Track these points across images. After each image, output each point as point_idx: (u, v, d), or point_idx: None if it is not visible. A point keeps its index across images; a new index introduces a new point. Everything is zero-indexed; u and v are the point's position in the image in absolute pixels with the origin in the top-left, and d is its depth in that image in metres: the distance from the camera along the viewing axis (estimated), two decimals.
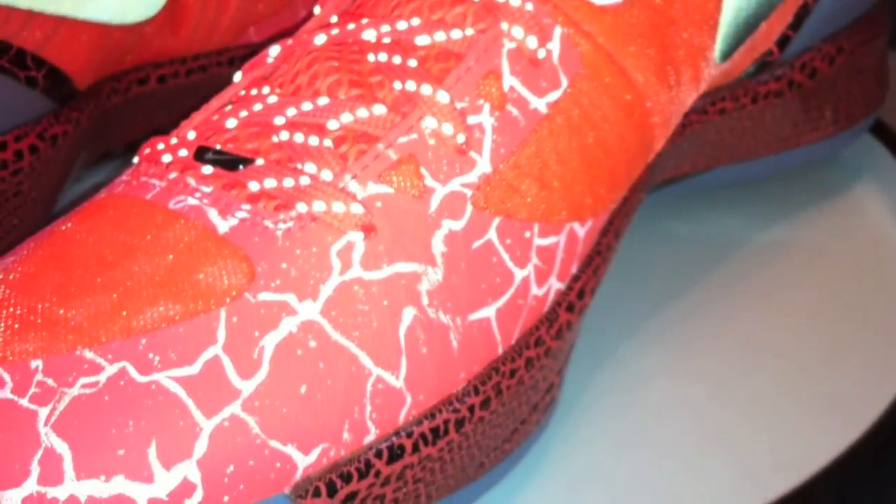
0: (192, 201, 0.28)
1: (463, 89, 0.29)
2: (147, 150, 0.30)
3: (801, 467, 0.31)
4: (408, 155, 0.28)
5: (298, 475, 0.26)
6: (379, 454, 0.27)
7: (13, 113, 0.37)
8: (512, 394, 0.30)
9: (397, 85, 0.29)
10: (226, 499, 0.25)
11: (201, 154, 0.29)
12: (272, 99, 0.30)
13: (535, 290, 0.30)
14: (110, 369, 0.25)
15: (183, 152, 0.29)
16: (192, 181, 0.28)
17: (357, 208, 0.27)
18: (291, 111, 0.29)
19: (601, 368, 0.34)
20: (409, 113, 0.29)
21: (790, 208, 0.41)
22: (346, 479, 0.26)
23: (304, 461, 0.26)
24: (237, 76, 0.32)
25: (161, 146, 0.30)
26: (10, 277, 0.27)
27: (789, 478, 0.31)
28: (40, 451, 0.24)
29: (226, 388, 0.25)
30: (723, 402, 0.33)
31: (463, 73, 0.29)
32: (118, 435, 0.24)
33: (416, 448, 0.27)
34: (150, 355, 0.25)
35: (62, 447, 0.24)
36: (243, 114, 0.30)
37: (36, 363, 0.25)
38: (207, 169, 0.29)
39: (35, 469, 0.24)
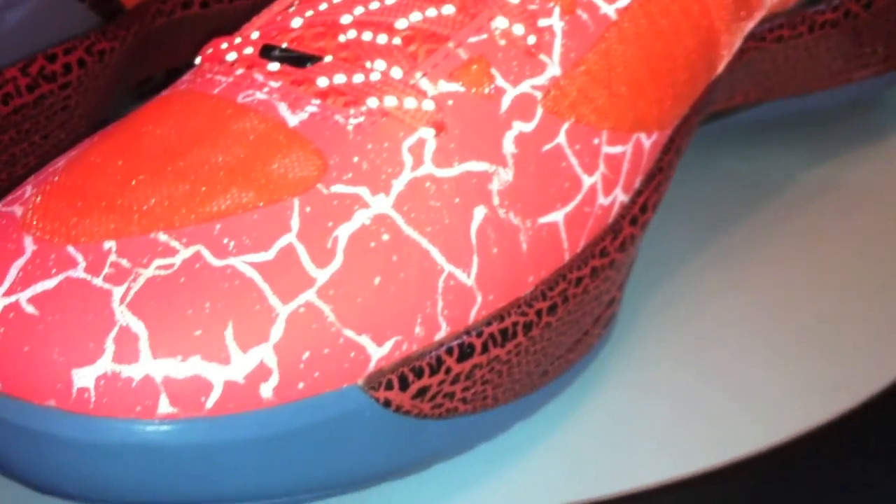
0: (260, 96, 0.27)
1: None
2: (210, 51, 0.29)
3: (858, 389, 0.31)
4: (478, 55, 0.28)
5: (371, 367, 0.25)
6: (450, 351, 0.26)
7: (62, 27, 0.36)
8: (577, 303, 0.29)
9: None
10: (300, 385, 0.24)
11: (267, 52, 0.28)
12: None
13: (602, 199, 0.29)
14: (185, 252, 0.24)
15: (248, 50, 0.29)
16: (259, 77, 0.28)
17: (429, 104, 0.27)
18: (359, 10, 0.29)
19: (658, 288, 0.34)
20: (478, 13, 0.28)
21: (835, 149, 0.41)
22: (418, 373, 0.26)
23: (377, 353, 0.25)
24: None
25: (224, 45, 0.29)
26: (75, 166, 0.27)
27: (846, 397, 0.30)
28: (115, 329, 0.23)
29: (301, 275, 0.25)
30: (780, 322, 0.33)
31: None
32: (194, 316, 0.24)
33: (485, 348, 0.27)
34: (225, 240, 0.25)
35: (138, 326, 0.23)
36: (308, 13, 0.29)
37: (109, 244, 0.24)
38: (274, 66, 0.28)
39: (110, 347, 0.23)
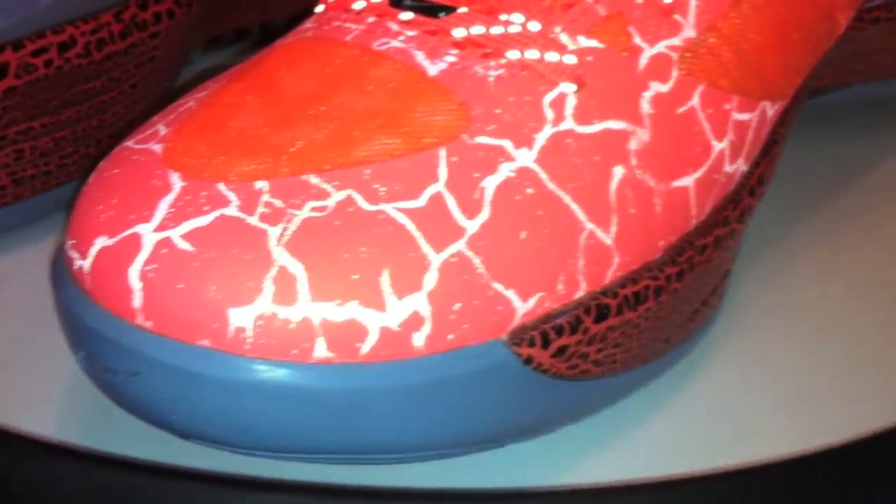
0: (396, 44, 0.27)
1: None
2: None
3: None
4: (616, 12, 0.27)
5: (516, 322, 0.25)
6: (588, 311, 0.26)
7: None
8: (701, 271, 0.29)
9: None
10: (450, 337, 0.24)
11: (398, 1, 0.28)
12: None
13: (727, 167, 0.29)
14: (337, 195, 0.24)
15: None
16: (393, 26, 0.27)
17: (570, 59, 0.26)
18: None
19: (759, 262, 0.33)
20: None
21: None
22: (559, 331, 0.25)
23: (522, 308, 0.25)
24: None
25: None
26: (209, 106, 0.26)
27: None
28: (273, 270, 0.23)
29: (451, 224, 0.24)
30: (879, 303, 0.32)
31: None
32: (351, 260, 0.23)
33: (619, 310, 0.26)
34: (375, 185, 0.24)
35: (296, 267, 0.23)
36: None
37: (261, 184, 0.24)
38: (406, 15, 0.27)
39: (268, 287, 0.22)
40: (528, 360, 0.25)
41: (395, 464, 0.25)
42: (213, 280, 0.22)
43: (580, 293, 0.26)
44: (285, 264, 0.23)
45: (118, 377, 0.23)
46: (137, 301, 0.23)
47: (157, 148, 0.25)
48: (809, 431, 0.28)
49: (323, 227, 0.23)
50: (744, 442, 0.28)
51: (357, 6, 0.28)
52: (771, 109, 0.30)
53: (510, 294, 0.24)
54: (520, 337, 0.25)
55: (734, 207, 0.30)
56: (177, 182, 0.24)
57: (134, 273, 0.23)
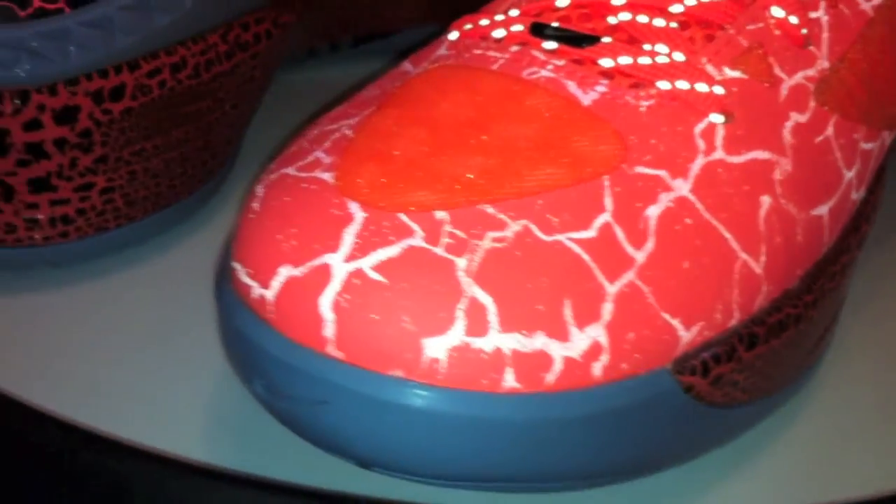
0: (545, 73, 0.27)
1: None
2: (468, 26, 0.29)
3: None
4: (757, 43, 0.28)
5: (679, 351, 0.25)
6: (741, 339, 0.26)
7: None
8: (830, 298, 0.29)
9: None
10: (624, 366, 0.24)
11: (538, 30, 0.28)
12: None
13: (854, 195, 0.30)
14: (514, 226, 0.24)
15: (517, 28, 0.28)
16: (539, 55, 0.28)
17: (719, 89, 0.27)
18: None
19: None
20: (750, 2, 0.28)
21: None
22: (717, 360, 0.26)
23: (685, 337, 0.25)
24: None
25: (486, 22, 0.29)
26: (369, 132, 0.26)
27: None
28: (465, 301, 0.23)
29: (621, 254, 0.24)
30: None
31: None
32: (535, 290, 0.23)
33: (766, 338, 0.27)
34: (548, 216, 0.24)
35: (486, 298, 0.23)
36: None
37: (441, 214, 0.24)
38: (550, 44, 0.28)
39: (461, 318, 0.23)
40: (688, 389, 0.25)
41: (563, 491, 0.25)
42: (407, 311, 0.23)
43: (734, 322, 0.26)
44: (475, 295, 0.23)
45: (302, 406, 0.23)
46: (329, 331, 0.23)
47: (326, 176, 0.25)
48: None
49: (505, 257, 0.23)
50: (850, 477, 0.28)
51: (497, 34, 0.29)
52: (889, 138, 0.31)
53: (676, 323, 0.25)
54: (682, 366, 0.25)
55: (855, 234, 0.30)
56: (357, 212, 0.24)
57: (325, 303, 0.23)
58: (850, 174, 0.29)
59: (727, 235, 0.26)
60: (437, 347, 0.23)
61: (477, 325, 0.23)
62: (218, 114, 0.35)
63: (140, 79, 0.32)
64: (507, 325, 0.23)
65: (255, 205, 0.26)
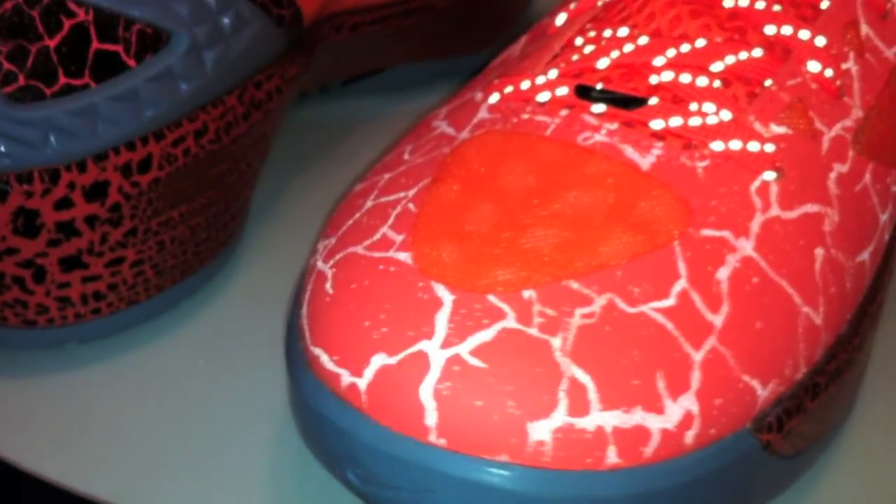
0: (600, 138, 0.27)
1: (831, 36, 0.29)
2: (508, 89, 0.29)
3: None
4: (797, 98, 0.29)
5: (757, 410, 0.25)
6: (806, 391, 0.27)
7: (264, 53, 0.35)
8: (870, 337, 0.30)
9: (769, 29, 0.29)
10: (712, 431, 0.24)
11: (584, 92, 0.28)
12: (643, 40, 0.29)
13: (886, 236, 0.30)
14: (600, 300, 0.24)
15: (561, 91, 0.29)
16: (590, 119, 0.28)
17: (770, 147, 0.27)
18: (671, 52, 0.29)
19: None
20: (787, 57, 0.29)
21: None
22: (788, 414, 0.26)
23: (762, 395, 0.26)
24: (560, 19, 0.32)
25: (527, 85, 0.29)
26: (435, 209, 0.26)
27: None
28: (564, 382, 0.23)
29: (701, 321, 0.25)
30: None
31: (828, 21, 0.30)
32: (629, 365, 0.24)
33: (826, 386, 0.27)
34: (629, 287, 0.25)
35: (584, 377, 0.23)
36: (614, 54, 0.29)
37: (528, 293, 0.24)
38: (599, 107, 0.28)
39: (563, 399, 0.23)
40: (766, 445, 0.26)
41: None
42: (510, 395, 0.23)
43: (800, 375, 0.27)
44: (574, 375, 0.23)
45: (403, 494, 0.23)
46: (431, 419, 0.23)
47: (403, 257, 0.25)
48: None
49: (596, 333, 0.24)
50: None
51: (542, 98, 0.29)
52: None
53: (755, 383, 0.25)
54: (760, 424, 0.26)
55: (886, 272, 0.31)
56: (446, 295, 0.24)
57: (426, 392, 0.23)
58: (884, 217, 0.30)
59: (790, 291, 0.27)
60: (542, 430, 0.23)
61: (579, 405, 0.23)
62: (236, 175, 0.35)
63: (166, 148, 0.32)
64: (608, 403, 0.23)
65: (328, 287, 0.25)
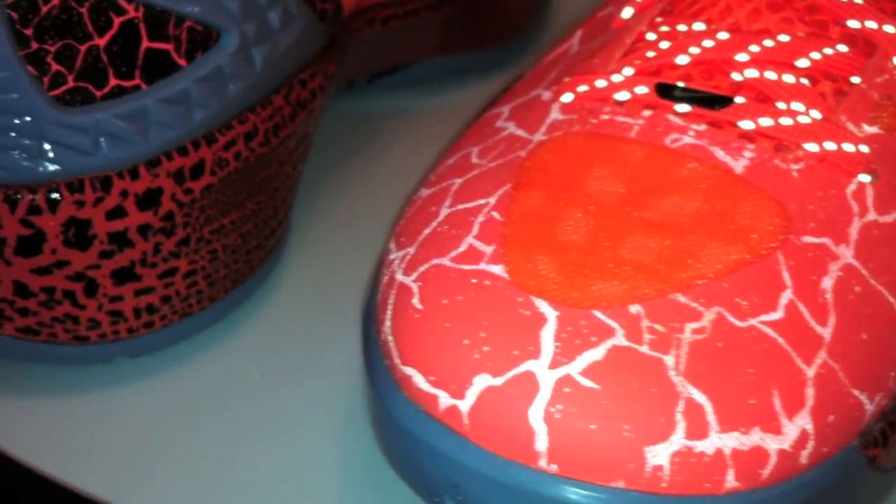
0: (689, 140, 0.26)
1: None
2: (582, 88, 0.28)
3: None
4: (886, 96, 0.27)
5: (863, 424, 0.24)
6: None
7: (308, 50, 0.34)
8: None
9: (853, 24, 0.28)
10: (825, 449, 0.23)
11: (665, 91, 0.27)
12: (723, 35, 0.28)
13: None
14: (708, 314, 0.23)
15: (642, 89, 0.27)
16: (675, 119, 0.27)
17: (864, 148, 0.26)
18: (754, 48, 0.28)
19: None
20: (872, 52, 0.28)
21: None
22: (893, 427, 0.25)
23: (869, 410, 0.24)
24: (626, 12, 0.30)
25: (602, 83, 0.28)
26: (522, 218, 0.25)
27: None
28: (681, 403, 0.22)
29: (810, 334, 0.24)
30: None
31: None
32: (745, 383, 0.22)
33: None
34: (737, 299, 0.23)
35: (701, 397, 0.22)
36: (693, 50, 0.28)
37: (635, 308, 0.23)
38: (683, 107, 0.27)
39: (680, 421, 0.22)
40: (871, 460, 0.25)
41: None
42: (625, 418, 0.22)
43: None
44: (691, 395, 0.22)
45: None
46: (542, 444, 0.22)
47: (496, 270, 0.24)
48: None
49: (708, 350, 0.23)
50: None
51: (621, 97, 0.27)
52: None
53: (863, 398, 0.24)
54: (866, 438, 0.24)
55: None
56: (548, 311, 0.23)
57: (535, 414, 0.22)
58: None
59: (891, 300, 0.25)
60: (660, 454, 0.21)
61: (697, 427, 0.22)
62: (282, 178, 0.33)
63: (218, 152, 0.30)
64: (726, 425, 0.22)
65: (415, 302, 0.24)
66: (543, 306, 0.23)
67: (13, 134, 0.28)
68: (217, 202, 0.31)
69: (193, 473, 0.28)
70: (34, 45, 0.27)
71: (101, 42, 0.28)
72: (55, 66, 0.28)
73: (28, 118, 0.28)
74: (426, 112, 0.42)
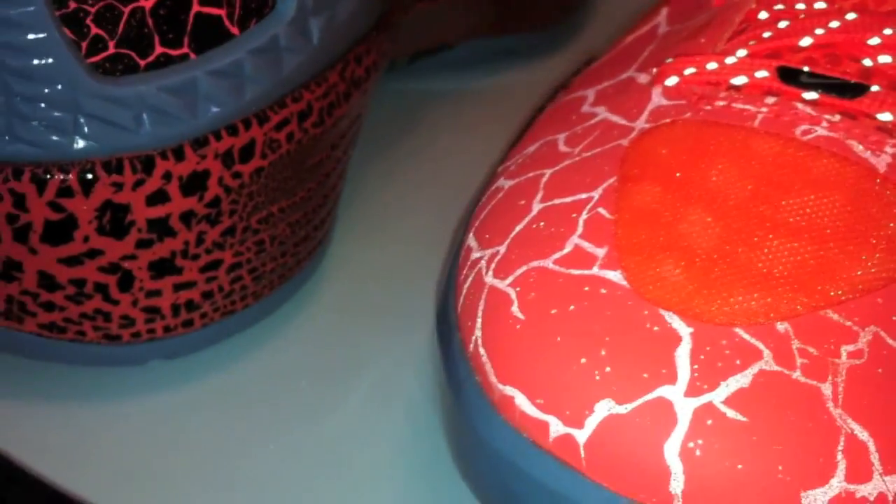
0: (822, 132, 0.23)
1: None
2: (689, 70, 0.25)
3: None
4: None
5: None
6: None
7: (361, 22, 0.30)
8: None
9: None
10: None
11: (789, 76, 0.24)
12: (851, 15, 0.25)
13: None
14: (865, 335, 0.20)
15: (761, 73, 0.24)
16: (804, 108, 0.23)
17: None
18: (888, 31, 0.24)
19: None
20: None
21: None
22: None
23: None
24: None
25: (713, 66, 0.25)
26: (636, 216, 0.22)
27: None
28: (842, 439, 0.19)
29: None
30: None
31: None
32: None
33: None
34: (894, 317, 0.20)
35: (863, 434, 0.19)
36: (818, 31, 0.25)
37: (783, 326, 0.19)
38: (811, 94, 0.24)
39: (841, 462, 0.18)
40: None
41: None
42: (779, 458, 0.18)
43: None
44: (852, 431, 0.19)
45: None
46: (677, 485, 0.18)
47: (613, 276, 0.20)
48: None
49: (867, 376, 0.19)
50: None
51: (737, 81, 0.24)
52: None
53: None
54: None
55: None
56: (681, 327, 0.19)
57: (671, 450, 0.18)
58: None
59: None
60: (818, 500, 0.18)
61: (859, 468, 0.18)
62: (332, 163, 0.30)
63: (269, 132, 0.27)
64: (890, 465, 0.19)
65: (515, 310, 0.21)
66: (675, 321, 0.19)
67: (43, 105, 0.24)
68: (266, 188, 0.27)
69: (237, 490, 0.25)
70: (72, 5, 0.24)
71: (147, 4, 0.25)
72: (95, 30, 0.24)
73: (61, 87, 0.24)
74: (470, 95, 0.39)
